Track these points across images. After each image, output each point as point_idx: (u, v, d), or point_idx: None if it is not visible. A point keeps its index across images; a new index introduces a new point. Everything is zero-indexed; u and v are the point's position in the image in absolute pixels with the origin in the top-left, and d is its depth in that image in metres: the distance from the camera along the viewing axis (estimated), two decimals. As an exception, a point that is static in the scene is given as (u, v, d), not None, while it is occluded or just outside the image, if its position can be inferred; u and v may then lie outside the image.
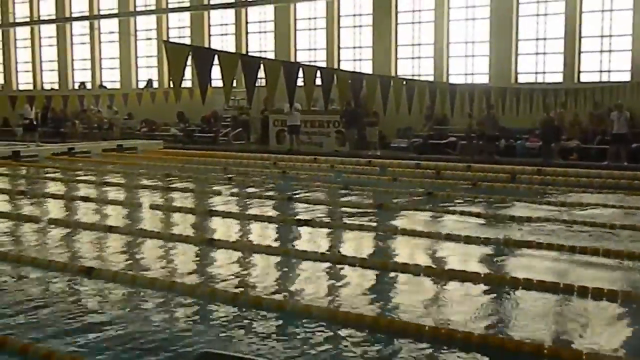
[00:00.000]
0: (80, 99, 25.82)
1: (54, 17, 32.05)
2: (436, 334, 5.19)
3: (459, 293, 6.38)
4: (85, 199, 12.05)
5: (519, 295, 6.27)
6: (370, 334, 5.28)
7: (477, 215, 10.31)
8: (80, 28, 31.50)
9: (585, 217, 9.88)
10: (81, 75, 32.03)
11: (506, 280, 6.66)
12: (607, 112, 18.40)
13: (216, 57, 9.25)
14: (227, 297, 6.08)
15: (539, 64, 21.83)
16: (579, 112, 19.18)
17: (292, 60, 24.18)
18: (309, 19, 25.86)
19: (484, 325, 5.50)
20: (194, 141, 24.69)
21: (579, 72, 21.11)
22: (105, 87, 30.71)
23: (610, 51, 20.75)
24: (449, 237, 8.57)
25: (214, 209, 10.79)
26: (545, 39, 21.61)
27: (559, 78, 21.17)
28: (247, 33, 27.32)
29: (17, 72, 34.27)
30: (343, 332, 5.30)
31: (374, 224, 9.73)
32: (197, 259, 7.95)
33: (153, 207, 11.22)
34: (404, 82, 14.15)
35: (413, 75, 22.81)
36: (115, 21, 30.22)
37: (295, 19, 26.06)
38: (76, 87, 31.65)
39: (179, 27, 28.90)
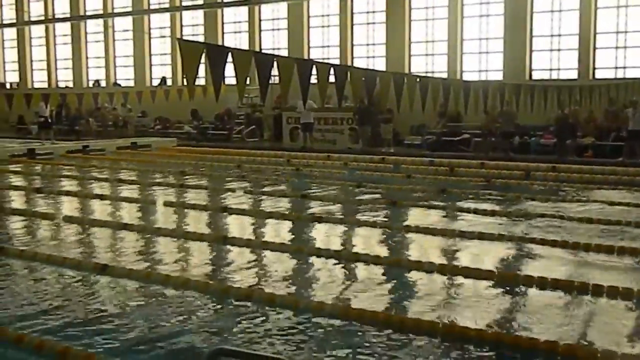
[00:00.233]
0: (94, 96, 25.93)
1: (68, 15, 32.24)
2: (449, 331, 5.19)
3: (472, 291, 6.36)
4: (100, 196, 12.12)
5: (533, 293, 6.25)
6: (383, 331, 5.28)
7: (491, 212, 10.27)
8: (94, 26, 31.66)
9: (600, 215, 9.81)
10: (95, 73, 32.20)
11: (520, 278, 6.62)
12: (622, 109, 18.28)
13: (230, 54, 9.24)
14: (241, 294, 6.10)
15: (553, 60, 21.71)
16: (593, 108, 19.05)
17: (306, 57, 24.16)
18: (322, 16, 25.83)
19: (497, 323, 5.49)
20: (208, 139, 24.73)
21: (594, 68, 20.98)
22: (119, 85, 30.85)
23: (625, 47, 20.60)
24: (463, 235, 8.55)
25: (227, 206, 10.81)
26: (559, 35, 21.48)
27: (573, 75, 21.03)
28: (260, 30, 27.33)
29: (32, 70, 34.51)
30: (356, 330, 5.30)
31: (388, 221, 9.72)
32: (211, 256, 7.98)
33: (167, 204, 11.26)
34: (418, 79, 14.09)
35: (427, 72, 22.76)
36: (129, 19, 30.35)
37: (308, 16, 26.04)
38: (90, 85, 31.82)
39: (193, 25, 28.97)
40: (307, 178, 14.53)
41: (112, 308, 5.84)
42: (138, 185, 13.69)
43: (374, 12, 24.70)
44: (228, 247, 8.09)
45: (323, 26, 25.84)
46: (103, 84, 31.40)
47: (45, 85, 33.38)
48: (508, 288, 6.40)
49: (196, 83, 9.88)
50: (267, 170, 15.65)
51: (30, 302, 6.02)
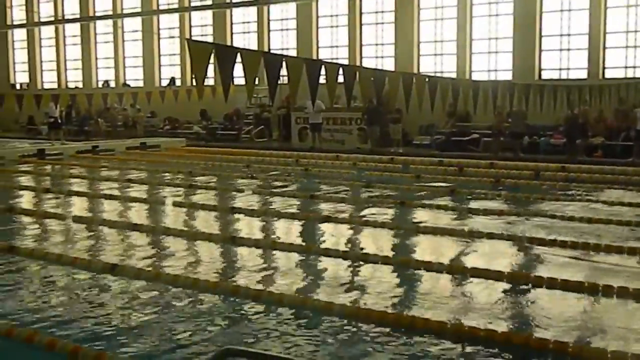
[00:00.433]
0: (104, 97, 26.02)
1: (78, 16, 32.38)
2: (459, 331, 5.18)
3: (481, 291, 6.35)
4: (109, 196, 12.16)
5: (543, 294, 6.23)
6: (392, 331, 5.28)
7: (500, 212, 10.24)
8: (103, 27, 31.78)
9: (610, 215, 9.76)
10: (105, 73, 32.32)
11: (530, 278, 6.60)
12: (632, 109, 18.19)
13: (238, 55, 9.26)
14: (249, 294, 6.10)
15: (563, 60, 21.63)
16: (603, 108, 18.98)
17: (314, 57, 24.17)
18: (331, 16, 25.83)
19: (507, 323, 5.48)
20: (217, 139, 24.79)
21: (604, 68, 20.89)
22: (128, 85, 30.94)
23: (635, 47, 20.50)
24: (472, 235, 8.54)
25: (236, 206, 10.83)
26: (569, 34, 21.41)
27: (583, 74, 20.95)
28: (269, 31, 27.36)
29: (42, 70, 34.68)
30: (365, 330, 5.30)
31: (396, 222, 9.71)
32: (220, 256, 8.00)
33: (176, 204, 11.29)
34: (427, 79, 14.07)
35: (435, 72, 22.73)
36: (138, 20, 30.45)
37: (317, 16, 26.05)
38: (100, 85, 31.94)
39: (202, 26, 29.03)
40: (315, 178, 14.53)
41: (121, 307, 5.85)
42: (147, 186, 13.72)
43: (382, 12, 24.68)
44: (237, 247, 8.10)
45: (332, 26, 25.84)
46: (112, 84, 31.53)
47: (55, 85, 33.52)
48: (517, 288, 6.38)
49: (205, 83, 9.90)
50: (275, 171, 15.66)
51: (40, 302, 6.05)
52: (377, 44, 24.96)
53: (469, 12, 22.78)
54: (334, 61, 21.16)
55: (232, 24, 28.22)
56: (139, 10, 30.26)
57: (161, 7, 29.86)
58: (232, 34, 28.19)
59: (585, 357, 4.78)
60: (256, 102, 24.85)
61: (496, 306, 5.95)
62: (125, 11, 31.06)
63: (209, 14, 28.64)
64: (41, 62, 34.63)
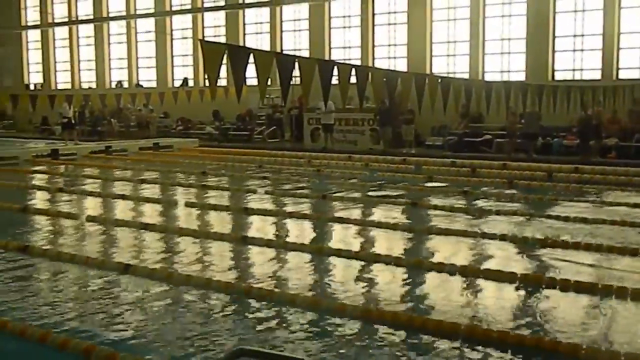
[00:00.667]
0: (117, 97, 26.13)
1: (91, 17, 32.56)
2: (472, 332, 5.16)
3: (494, 293, 6.33)
4: (122, 196, 12.21)
5: (556, 296, 6.21)
6: (404, 332, 5.27)
7: (513, 213, 10.21)
8: (117, 28, 31.92)
9: (624, 217, 9.71)
10: (118, 74, 32.46)
11: (543, 280, 6.57)
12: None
13: (251, 55, 9.27)
14: (262, 295, 6.11)
15: (576, 60, 21.52)
16: (617, 109, 18.87)
17: (327, 58, 24.17)
18: (344, 16, 25.83)
19: (519, 324, 5.45)
20: (229, 139, 24.84)
21: (618, 68, 20.75)
22: (141, 86, 31.06)
23: (649, 47, 20.38)
24: (485, 236, 8.51)
25: (249, 206, 10.85)
26: (583, 35, 21.29)
27: (597, 75, 20.83)
28: (281, 31, 27.39)
29: (55, 71, 34.90)
30: (377, 331, 5.30)
31: (408, 222, 9.70)
32: (233, 256, 8.01)
33: (188, 204, 11.33)
34: (439, 80, 14.04)
35: (448, 73, 22.65)
36: (151, 21, 30.57)
37: (329, 17, 26.06)
38: (113, 86, 32.08)
39: (215, 26, 29.08)
40: (328, 179, 14.53)
41: (134, 307, 5.88)
42: (160, 186, 13.78)
43: (395, 12, 24.66)
44: (249, 247, 8.13)
45: (344, 27, 25.84)
46: (125, 85, 31.65)
47: (69, 86, 33.71)
48: (530, 290, 6.35)
49: (218, 84, 9.90)
50: (288, 171, 15.67)
51: (54, 301, 6.09)
52: (389, 45, 24.93)
53: (481, 12, 22.71)
54: (347, 62, 21.14)
55: (244, 24, 28.27)
56: (152, 11, 30.39)
57: (174, 8, 29.97)
58: (244, 34, 28.24)
59: (598, 359, 4.75)
60: (268, 103, 24.88)
61: (508, 308, 5.93)
62: (138, 12, 31.19)
63: (221, 14, 28.71)
64: (55, 62, 34.85)
